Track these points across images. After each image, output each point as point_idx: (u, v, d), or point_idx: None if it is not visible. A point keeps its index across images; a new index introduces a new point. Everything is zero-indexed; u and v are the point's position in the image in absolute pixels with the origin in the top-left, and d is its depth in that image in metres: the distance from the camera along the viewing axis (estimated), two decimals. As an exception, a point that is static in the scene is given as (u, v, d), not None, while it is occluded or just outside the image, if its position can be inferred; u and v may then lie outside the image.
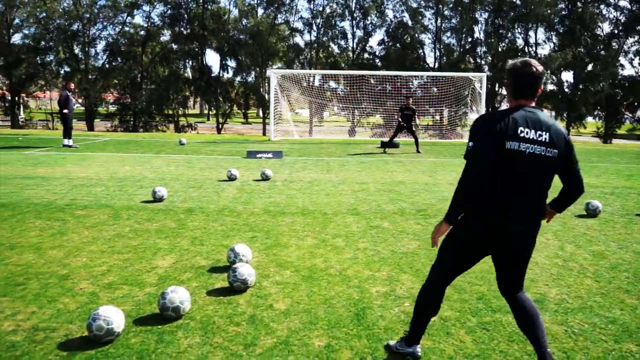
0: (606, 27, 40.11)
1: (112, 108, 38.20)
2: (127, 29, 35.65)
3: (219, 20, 35.03)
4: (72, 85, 16.49)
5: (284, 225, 6.43)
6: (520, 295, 2.94)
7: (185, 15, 34.84)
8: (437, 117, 33.81)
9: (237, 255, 4.63)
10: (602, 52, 38.59)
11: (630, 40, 40.09)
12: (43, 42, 34.09)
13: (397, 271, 4.74)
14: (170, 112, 36.27)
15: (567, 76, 43.07)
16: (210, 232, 6.03)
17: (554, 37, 39.58)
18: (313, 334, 3.45)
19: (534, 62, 2.68)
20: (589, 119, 43.72)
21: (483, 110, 20.89)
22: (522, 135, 2.60)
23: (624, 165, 13.95)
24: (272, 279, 4.49)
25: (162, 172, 10.73)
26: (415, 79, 34.71)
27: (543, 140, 2.63)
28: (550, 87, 40.12)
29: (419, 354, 3.09)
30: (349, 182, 9.92)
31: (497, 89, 39.37)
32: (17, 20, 34.61)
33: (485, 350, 3.27)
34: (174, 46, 36.06)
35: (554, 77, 39.19)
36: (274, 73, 20.29)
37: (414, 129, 16.39)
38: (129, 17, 35.61)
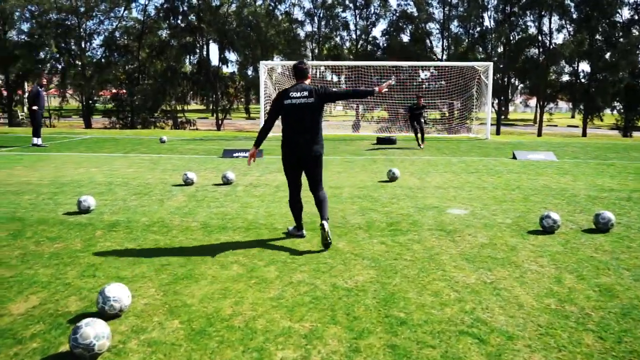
0: (625, 13, 38.09)
1: (109, 105, 37.22)
2: (123, 22, 34.57)
3: (216, 11, 33.75)
4: (44, 81, 15.42)
5: (215, 246, 5.21)
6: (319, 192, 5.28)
7: (181, 8, 33.64)
8: (446, 111, 32.27)
9: (106, 300, 3.43)
10: (621, 40, 36.61)
11: (651, 26, 38.03)
12: (37, 38, 33.12)
13: (327, 320, 3.49)
14: (169, 108, 35.15)
15: (584, 66, 41.08)
16: (116, 256, 4.84)
17: (568, 25, 37.69)
18: None
19: (302, 62, 5.22)
20: (607, 111, 41.80)
21: (489, 102, 19.40)
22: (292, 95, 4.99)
23: (643, 163, 12.46)
24: (148, 335, 3.27)
25: (115, 175, 9.58)
26: (422, 71, 33.24)
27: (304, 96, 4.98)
28: (565, 77, 38.30)
29: (304, 234, 5.41)
30: (321, 186, 8.66)
31: (512, 80, 37.62)
32: (17, 14, 33.57)
33: None
34: (171, 40, 34.92)
35: (569, 67, 37.33)
36: (264, 65, 19.03)
37: (422, 120, 15.67)
38: (126, 11, 34.56)
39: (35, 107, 14.33)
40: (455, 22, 36.85)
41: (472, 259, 4.84)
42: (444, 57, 36.47)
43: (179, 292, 3.98)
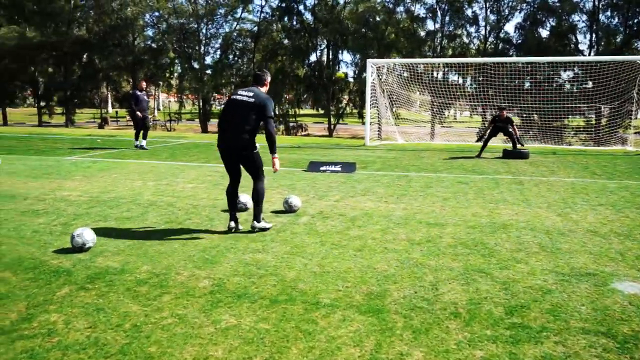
0: None
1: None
2: (240, 25, 34.51)
3: (332, 10, 32.13)
4: (144, 85, 15.06)
5: (203, 340, 3.15)
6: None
7: (296, 7, 32.60)
8: (592, 117, 27.35)
9: None
10: None
11: None
12: (159, 43, 34.30)
13: None
14: (281, 112, 34.28)
15: None
16: (40, 349, 2.99)
17: None
18: None
19: (262, 70, 5.74)
20: None
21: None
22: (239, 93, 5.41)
23: None
24: None
25: (167, 191, 8.01)
26: (564, 70, 28.71)
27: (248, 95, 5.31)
28: None
29: (232, 226, 5.60)
30: (415, 220, 6.24)
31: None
32: (147, 19, 34.87)
33: None
34: (286, 41, 34.11)
35: None
36: (372, 64, 16.77)
37: (510, 130, 13.53)
38: (244, 12, 34.36)
39: (138, 112, 13.98)
40: (608, 13, 31.30)
41: None
42: (592, 54, 31.28)
43: None
